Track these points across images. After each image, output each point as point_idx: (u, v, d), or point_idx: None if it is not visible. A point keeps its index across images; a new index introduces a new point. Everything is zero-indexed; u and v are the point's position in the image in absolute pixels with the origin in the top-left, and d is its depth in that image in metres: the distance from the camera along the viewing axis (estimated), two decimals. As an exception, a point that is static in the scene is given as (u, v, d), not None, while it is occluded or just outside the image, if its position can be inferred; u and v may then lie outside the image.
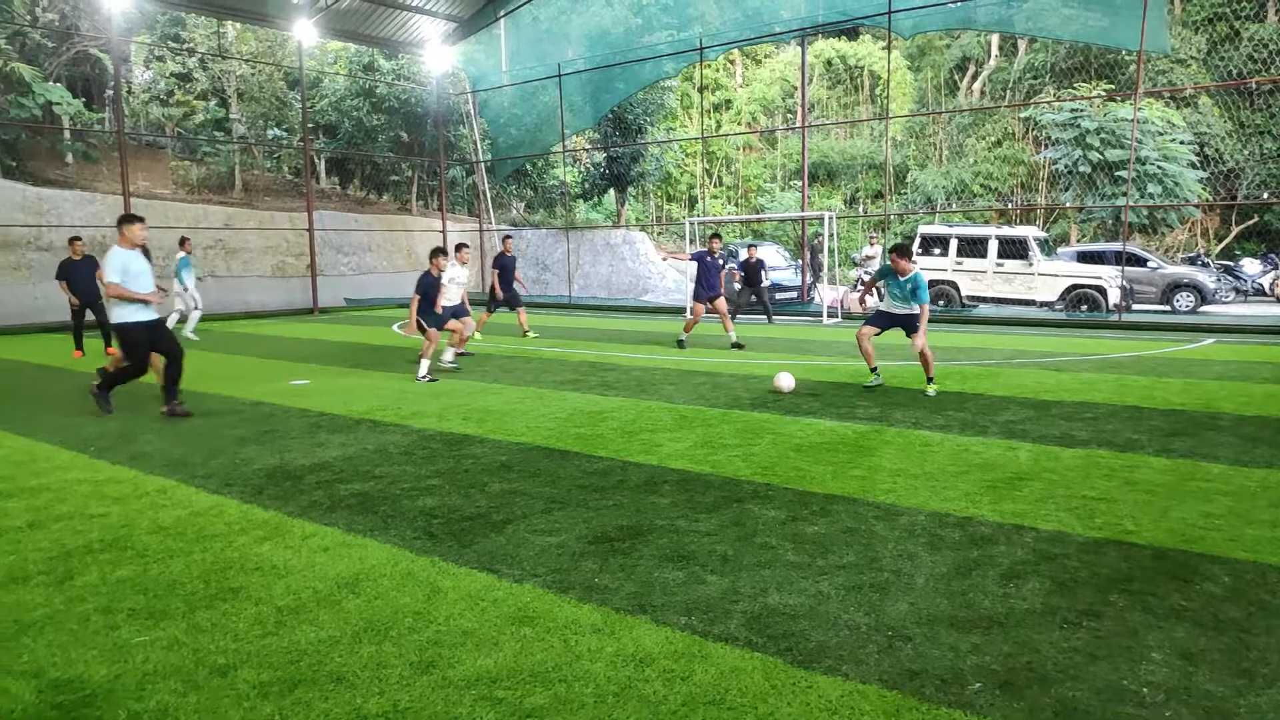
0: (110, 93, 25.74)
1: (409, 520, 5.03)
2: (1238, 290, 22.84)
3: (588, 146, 31.41)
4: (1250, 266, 24.43)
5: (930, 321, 18.29)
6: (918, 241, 21.25)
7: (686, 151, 36.11)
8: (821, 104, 38.67)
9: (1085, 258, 20.25)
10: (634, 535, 4.69)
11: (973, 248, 20.04)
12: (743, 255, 19.30)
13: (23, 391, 10.29)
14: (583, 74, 24.65)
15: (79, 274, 13.45)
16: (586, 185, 31.83)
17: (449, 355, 11.75)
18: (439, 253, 11.14)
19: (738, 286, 19.13)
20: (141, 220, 8.46)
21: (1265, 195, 26.16)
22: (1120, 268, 18.52)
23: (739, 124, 39.07)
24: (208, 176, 27.80)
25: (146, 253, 9.64)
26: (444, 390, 9.82)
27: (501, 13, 25.35)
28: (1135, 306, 19.40)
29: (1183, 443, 6.76)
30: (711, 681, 3.10)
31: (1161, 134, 25.23)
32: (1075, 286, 18.89)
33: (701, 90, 30.55)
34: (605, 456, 6.52)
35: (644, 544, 4.55)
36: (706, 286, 13.72)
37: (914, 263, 9.20)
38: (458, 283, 12.20)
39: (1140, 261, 20.24)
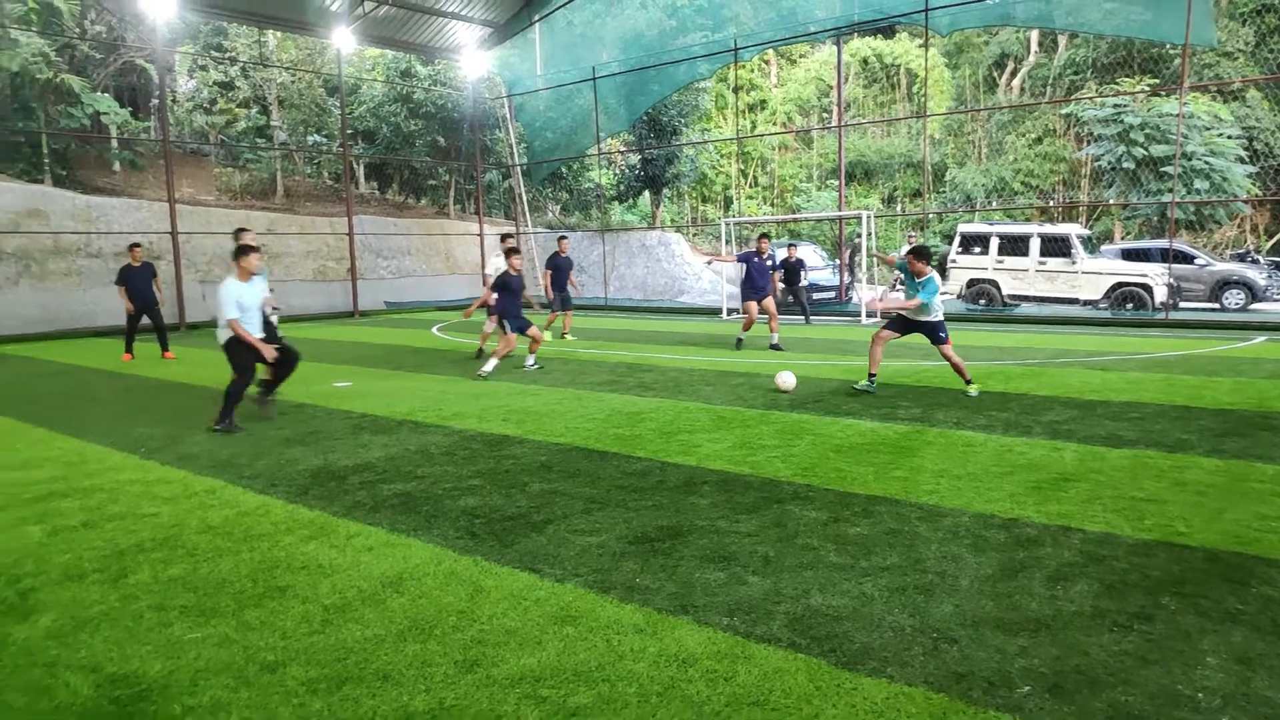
0: (156, 102, 26.29)
1: (451, 520, 5.08)
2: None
3: (623, 149, 31.48)
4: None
5: (971, 321, 18.15)
6: (957, 240, 21.01)
7: (721, 152, 36.03)
8: (858, 103, 38.39)
9: (1130, 255, 19.86)
10: (674, 536, 4.69)
11: (1014, 246, 19.76)
12: (781, 255, 19.21)
13: (75, 394, 10.54)
14: (617, 76, 24.70)
15: (137, 280, 13.74)
16: (622, 187, 31.88)
17: (530, 361, 11.80)
18: (514, 252, 11.31)
19: (780, 286, 19.05)
20: (259, 250, 8.17)
21: (1317, 189, 25.49)
22: (1167, 265, 18.15)
23: (774, 124, 38.90)
24: (250, 183, 28.28)
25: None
26: (483, 391, 9.90)
27: (536, 17, 25.50)
28: (1183, 304, 18.99)
29: (1235, 443, 6.60)
30: (755, 682, 3.09)
31: (1208, 128, 24.69)
32: (1120, 284, 18.53)
33: (736, 91, 30.48)
34: (644, 457, 6.53)
35: (684, 544, 4.55)
36: (755, 287, 13.67)
37: (931, 268, 8.99)
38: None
39: (1187, 258, 19.81)
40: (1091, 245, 20.15)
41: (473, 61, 26.70)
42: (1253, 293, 19.11)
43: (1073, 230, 19.47)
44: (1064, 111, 29.92)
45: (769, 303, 13.71)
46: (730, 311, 21.25)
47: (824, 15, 21.25)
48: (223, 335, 8.00)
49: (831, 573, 4.11)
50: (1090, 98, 27.04)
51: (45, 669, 3.32)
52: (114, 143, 25.10)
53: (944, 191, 33.00)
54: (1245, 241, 26.99)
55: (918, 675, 3.11)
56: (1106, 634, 3.42)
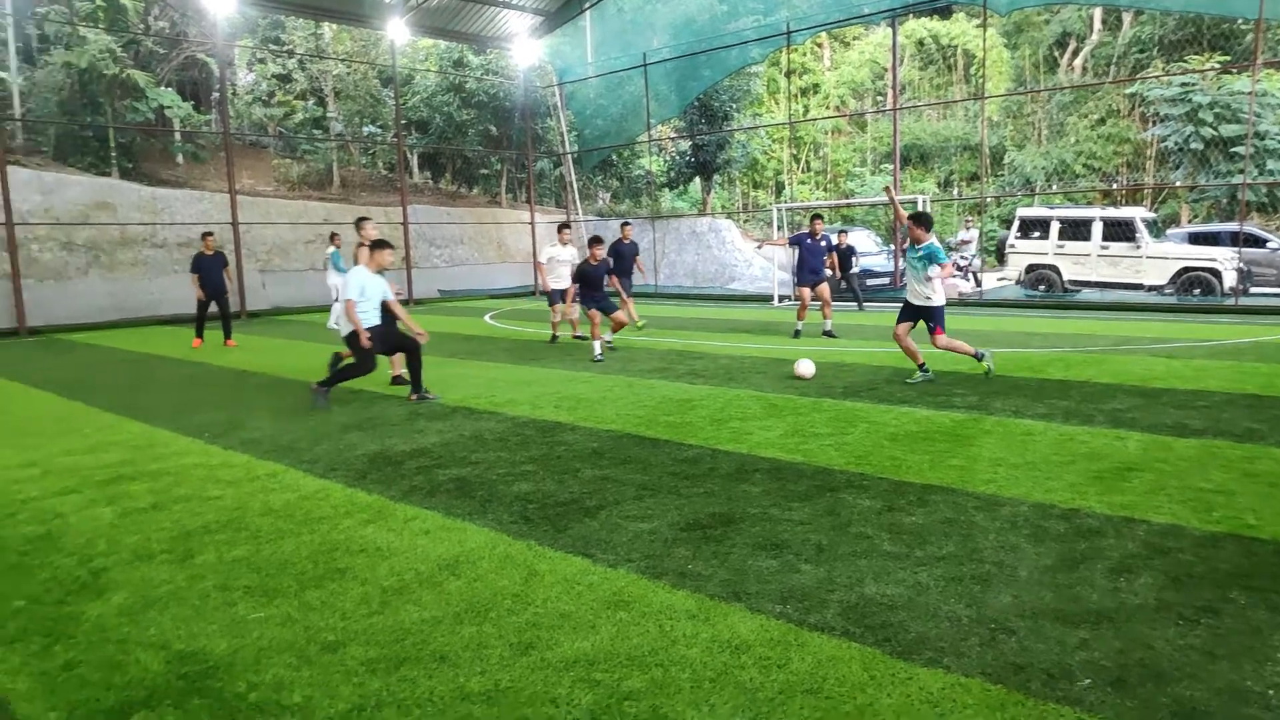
0: (216, 95, 26.88)
1: (505, 505, 5.13)
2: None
3: (673, 135, 31.36)
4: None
5: (1031, 307, 17.76)
6: (1016, 225, 20.55)
7: (773, 137, 35.68)
8: (913, 85, 37.68)
9: (1198, 239, 19.23)
10: (726, 523, 4.69)
11: (1075, 230, 19.25)
12: (833, 240, 18.98)
13: (142, 381, 10.88)
14: (668, 62, 24.58)
15: (209, 268, 14.13)
16: (672, 174, 31.77)
17: (606, 338, 12.23)
18: (596, 241, 11.79)
19: (829, 273, 18.84)
20: (392, 247, 8.75)
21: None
22: (1237, 249, 17.52)
23: (827, 108, 38.39)
24: (307, 173, 28.81)
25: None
26: (535, 379, 9.98)
27: (587, 4, 25.48)
28: (1253, 289, 18.32)
29: (1308, 433, 6.37)
30: (808, 670, 3.08)
31: (1282, 107, 23.76)
32: (1187, 269, 17.95)
33: (789, 75, 30.10)
34: (695, 444, 6.53)
35: (736, 532, 4.54)
36: (810, 271, 13.49)
37: (932, 235, 8.85)
38: (559, 260, 13.15)
39: (1259, 242, 19.11)
40: (1156, 229, 19.55)
41: (524, 50, 26.81)
42: (1329, 277, 18.38)
43: (1137, 213, 18.91)
44: (1128, 91, 29.01)
45: (823, 289, 13.50)
46: (782, 298, 21.09)
47: (879, -4, 20.89)
48: (345, 327, 8.44)
49: (886, 562, 4.07)
50: (1156, 76, 26.19)
51: (117, 645, 3.44)
52: (177, 136, 25.76)
53: (1002, 175, 32.27)
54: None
55: (974, 666, 3.07)
56: (1172, 628, 3.34)
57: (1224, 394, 7.93)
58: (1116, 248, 18.65)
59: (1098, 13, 33.21)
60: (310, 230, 23.79)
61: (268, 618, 3.66)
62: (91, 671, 3.24)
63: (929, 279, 8.73)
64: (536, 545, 4.43)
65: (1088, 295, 18.69)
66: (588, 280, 11.68)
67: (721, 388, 9.00)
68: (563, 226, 13.55)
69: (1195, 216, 26.31)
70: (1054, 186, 29.67)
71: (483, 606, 3.70)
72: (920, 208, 19.80)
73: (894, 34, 22.94)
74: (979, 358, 8.93)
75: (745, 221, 33.97)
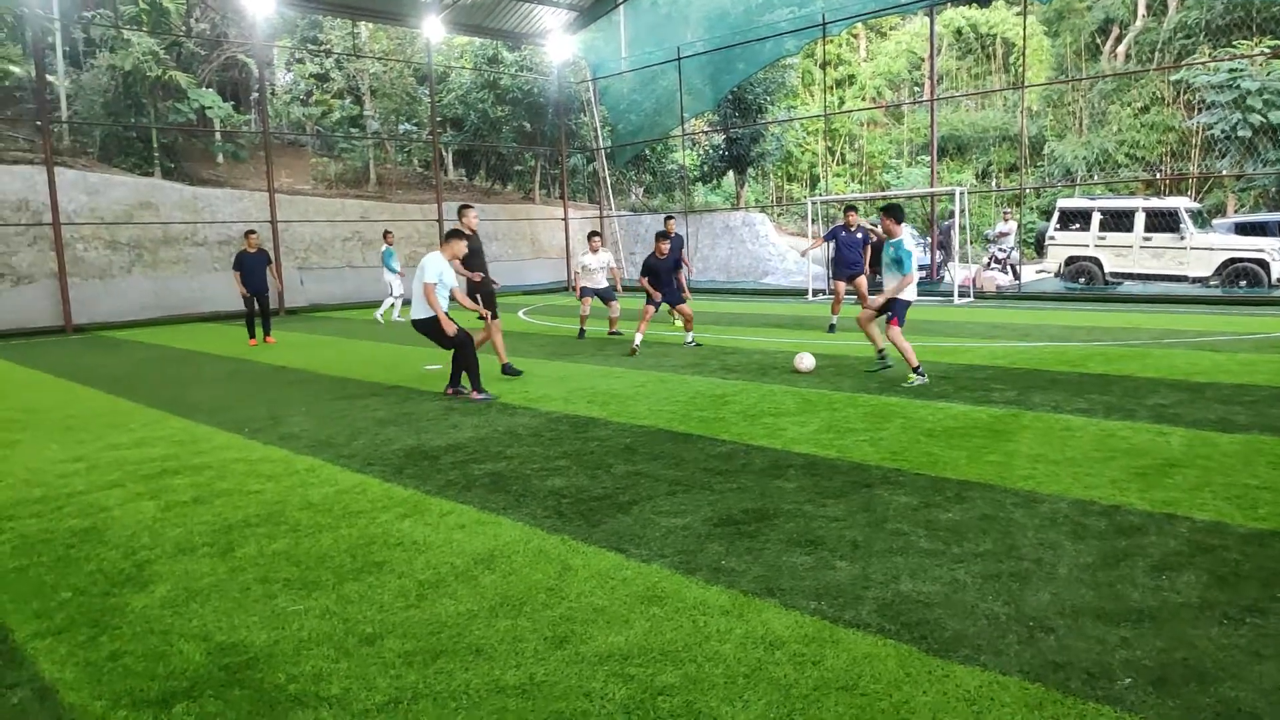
0: (256, 95, 27.31)
1: (539, 499, 5.16)
2: None
3: (706, 129, 31.25)
4: None
5: (1071, 300, 17.47)
6: (1056, 216, 20.20)
7: (808, 130, 35.42)
8: (951, 75, 37.19)
9: (1244, 229, 18.78)
10: (759, 519, 4.67)
11: (1117, 221, 18.88)
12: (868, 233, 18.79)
13: (184, 377, 11.08)
14: (702, 56, 24.49)
15: (251, 265, 14.27)
16: (705, 168, 31.68)
17: (689, 336, 12.37)
18: (663, 236, 12.08)
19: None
20: (465, 238, 9.01)
21: None
22: (1286, 239, 17.09)
23: (863, 99, 38.03)
24: (344, 171, 29.14)
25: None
26: (568, 374, 10.01)
27: (620, -1, 25.49)
28: (1303, 281, 17.85)
29: (1361, 428, 6.20)
30: (844, 667, 3.06)
31: (1334, 92, 23.11)
32: (1233, 260, 17.53)
33: (824, 66, 29.86)
34: (728, 440, 6.51)
35: (770, 528, 4.52)
36: (845, 264, 13.36)
37: (902, 227, 8.72)
38: (589, 268, 13.59)
39: (1309, 232, 18.61)
40: (1201, 219, 19.11)
41: (558, 46, 26.87)
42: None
43: (1181, 204, 18.50)
44: (1174, 78, 28.37)
45: (860, 281, 13.35)
46: (816, 293, 20.94)
47: (915, -14, 20.65)
48: (419, 311, 8.45)
49: (922, 558, 4.03)
50: (1203, 62, 25.59)
51: (161, 636, 3.52)
52: (217, 136, 26.19)
53: (1042, 165, 31.74)
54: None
55: (1013, 664, 3.03)
56: (1215, 627, 3.27)
57: (1271, 388, 7.74)
58: (1160, 239, 18.27)
59: (1141, -2, 32.51)
60: (347, 228, 24.06)
61: (307, 610, 3.71)
62: (136, 662, 3.31)
63: (899, 277, 8.64)
64: (570, 540, 4.45)
65: (1129, 288, 18.34)
66: (656, 274, 11.93)
67: (755, 383, 8.97)
68: (593, 234, 13.98)
69: (1242, 206, 25.68)
70: (1095, 177, 29.13)
71: (517, 600, 3.72)
72: (958, 201, 19.54)
73: (931, 23, 22.63)
74: (916, 370, 8.53)
75: (779, 215, 33.78)
